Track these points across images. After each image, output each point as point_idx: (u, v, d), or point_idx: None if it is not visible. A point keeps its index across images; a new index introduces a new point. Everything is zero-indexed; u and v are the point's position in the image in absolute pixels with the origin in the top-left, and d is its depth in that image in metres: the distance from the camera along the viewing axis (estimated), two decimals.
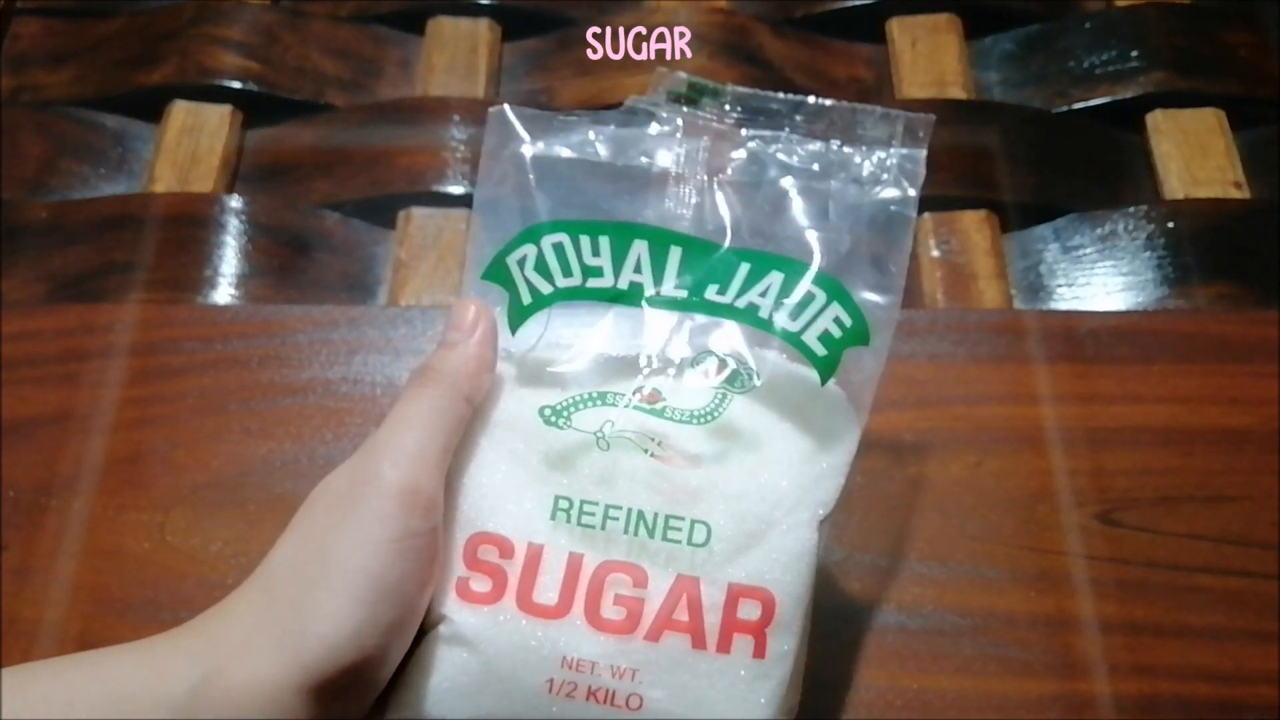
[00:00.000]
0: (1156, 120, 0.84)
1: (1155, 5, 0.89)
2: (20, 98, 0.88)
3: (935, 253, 0.77)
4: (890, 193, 0.53)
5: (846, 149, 0.54)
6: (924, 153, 0.54)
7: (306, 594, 0.44)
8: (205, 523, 0.66)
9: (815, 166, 0.54)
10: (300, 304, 0.75)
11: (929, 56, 0.88)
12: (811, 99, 0.54)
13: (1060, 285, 0.77)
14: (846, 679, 0.61)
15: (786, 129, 0.54)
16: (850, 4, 0.91)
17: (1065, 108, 0.85)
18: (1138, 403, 0.69)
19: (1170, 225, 0.77)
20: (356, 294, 0.78)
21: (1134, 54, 0.86)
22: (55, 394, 0.70)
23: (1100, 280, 0.77)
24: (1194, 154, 0.81)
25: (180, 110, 0.85)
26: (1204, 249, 0.77)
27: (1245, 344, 0.71)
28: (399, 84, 0.89)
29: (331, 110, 0.86)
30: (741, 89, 0.54)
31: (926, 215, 0.79)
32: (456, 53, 0.89)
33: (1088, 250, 0.78)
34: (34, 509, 0.67)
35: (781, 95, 0.54)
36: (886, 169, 0.53)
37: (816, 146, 0.54)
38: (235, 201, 0.80)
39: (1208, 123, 0.83)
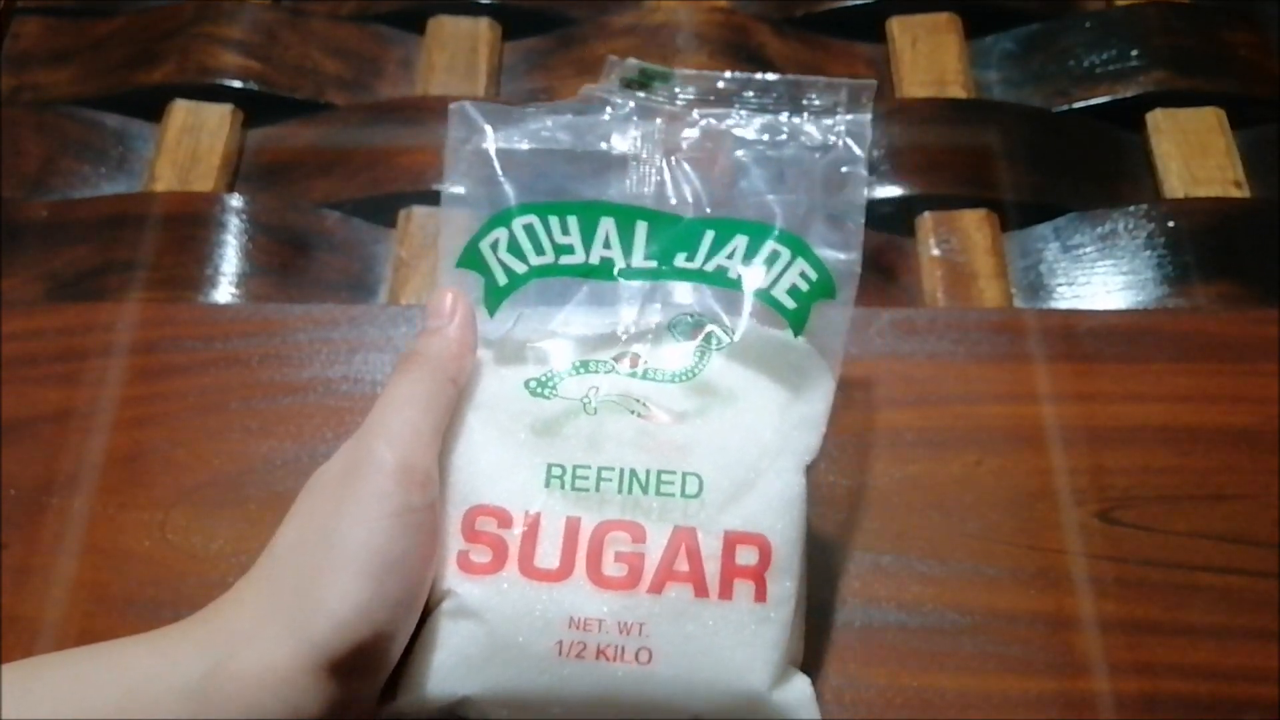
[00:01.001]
0: (1157, 119, 0.84)
1: (1155, 4, 0.89)
2: (20, 97, 0.88)
3: (935, 251, 0.78)
4: (841, 155, 0.57)
5: (795, 119, 0.57)
6: (869, 116, 0.57)
7: (313, 574, 0.45)
8: (205, 521, 0.66)
9: (767, 137, 0.57)
10: (301, 303, 0.75)
11: (929, 56, 0.88)
12: (757, 75, 0.56)
13: (1060, 284, 0.77)
14: (846, 677, 0.61)
15: (736, 105, 0.57)
16: (850, 3, 0.91)
17: (1065, 107, 0.85)
18: (1138, 401, 0.69)
19: (1170, 224, 0.78)
20: (357, 293, 0.78)
21: (1134, 53, 0.86)
22: (56, 392, 0.71)
23: (1100, 279, 0.77)
24: (1194, 153, 0.82)
25: (180, 109, 0.86)
26: (1204, 248, 0.77)
27: (1245, 343, 0.71)
28: (399, 83, 0.89)
29: (332, 109, 0.86)
30: (688, 70, 0.57)
31: (926, 214, 0.79)
32: (457, 52, 0.89)
33: (1088, 249, 0.78)
34: (34, 507, 0.67)
35: (729, 74, 0.57)
36: (835, 133, 0.57)
37: (767, 119, 0.57)
38: (236, 201, 0.81)
39: (1208, 122, 0.83)
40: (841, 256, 0.55)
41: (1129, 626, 0.62)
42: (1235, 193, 0.79)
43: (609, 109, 0.57)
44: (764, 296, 0.54)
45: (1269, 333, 0.71)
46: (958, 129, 0.83)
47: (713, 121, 0.57)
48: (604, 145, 0.57)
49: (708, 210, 0.56)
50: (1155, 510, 0.66)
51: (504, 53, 0.90)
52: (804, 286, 0.54)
